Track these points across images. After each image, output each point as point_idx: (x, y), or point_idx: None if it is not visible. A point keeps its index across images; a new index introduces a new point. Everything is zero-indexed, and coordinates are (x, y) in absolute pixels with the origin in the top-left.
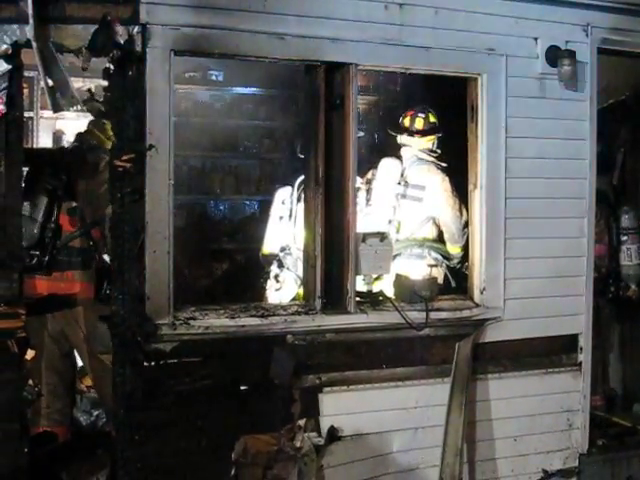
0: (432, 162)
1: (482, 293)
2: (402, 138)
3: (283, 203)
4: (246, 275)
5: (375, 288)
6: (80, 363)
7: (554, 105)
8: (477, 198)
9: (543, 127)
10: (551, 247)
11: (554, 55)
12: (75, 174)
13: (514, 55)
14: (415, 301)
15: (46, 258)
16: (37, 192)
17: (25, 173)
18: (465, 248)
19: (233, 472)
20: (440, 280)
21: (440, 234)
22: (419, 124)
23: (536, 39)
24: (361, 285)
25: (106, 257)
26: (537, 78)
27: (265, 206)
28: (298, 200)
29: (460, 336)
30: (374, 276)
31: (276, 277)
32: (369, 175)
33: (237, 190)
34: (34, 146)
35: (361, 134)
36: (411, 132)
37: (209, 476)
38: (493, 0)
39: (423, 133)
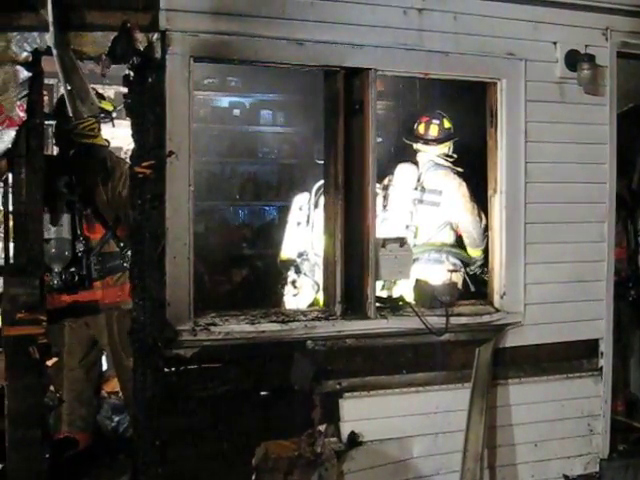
0: (448, 167)
1: (502, 298)
2: (417, 145)
3: (301, 209)
4: (265, 281)
5: (395, 293)
6: (104, 369)
7: (573, 109)
8: (497, 203)
9: (563, 131)
10: (571, 252)
11: (573, 59)
12: (86, 178)
13: (533, 59)
14: (435, 306)
15: (84, 272)
16: (59, 210)
17: None
18: (486, 251)
19: (254, 478)
20: (459, 285)
21: (458, 239)
22: (434, 131)
23: (555, 43)
24: (381, 290)
25: None
26: (556, 82)
27: (284, 212)
28: (315, 206)
29: (480, 341)
30: (394, 281)
31: (293, 283)
32: (386, 181)
33: (256, 196)
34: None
35: (379, 139)
36: (426, 140)
37: None
38: (512, 5)
39: (438, 141)
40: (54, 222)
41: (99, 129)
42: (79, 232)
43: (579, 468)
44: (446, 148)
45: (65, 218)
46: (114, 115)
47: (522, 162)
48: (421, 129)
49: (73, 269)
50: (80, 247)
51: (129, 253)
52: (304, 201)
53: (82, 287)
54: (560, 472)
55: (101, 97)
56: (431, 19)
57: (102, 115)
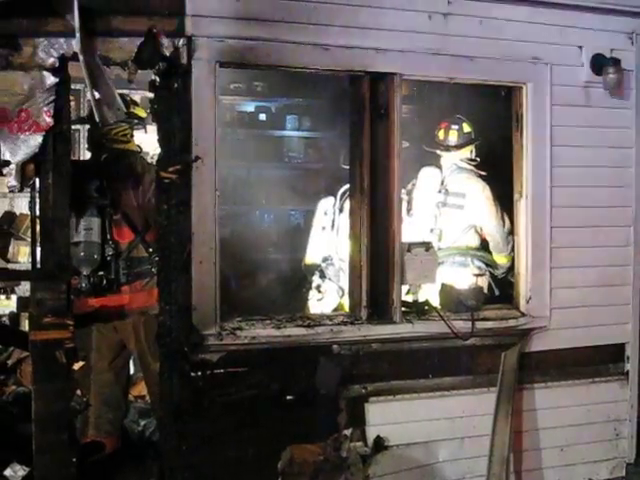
0: (472, 170)
1: (528, 302)
2: (439, 152)
3: (326, 214)
4: (291, 286)
5: (420, 298)
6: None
7: (599, 113)
8: (522, 207)
9: (588, 136)
10: (597, 256)
11: (599, 63)
12: (116, 183)
13: (559, 64)
14: (461, 310)
15: (112, 276)
16: (88, 215)
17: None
18: (512, 258)
19: None
20: (485, 289)
21: (483, 242)
22: (453, 136)
23: (581, 47)
24: (406, 295)
25: None
26: (582, 86)
27: (309, 216)
28: (340, 210)
29: (506, 345)
30: (419, 285)
31: (318, 288)
32: (409, 186)
33: (282, 200)
34: (80, 158)
35: (406, 144)
36: (446, 147)
37: None
38: (538, 9)
39: (458, 147)
40: (77, 226)
41: (132, 135)
42: (109, 236)
43: (605, 472)
44: (468, 152)
45: (95, 222)
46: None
47: (548, 166)
48: (441, 135)
49: (102, 273)
50: (109, 251)
51: (157, 258)
52: (329, 205)
53: (110, 291)
54: (586, 476)
55: (134, 103)
56: (456, 23)
57: (136, 121)
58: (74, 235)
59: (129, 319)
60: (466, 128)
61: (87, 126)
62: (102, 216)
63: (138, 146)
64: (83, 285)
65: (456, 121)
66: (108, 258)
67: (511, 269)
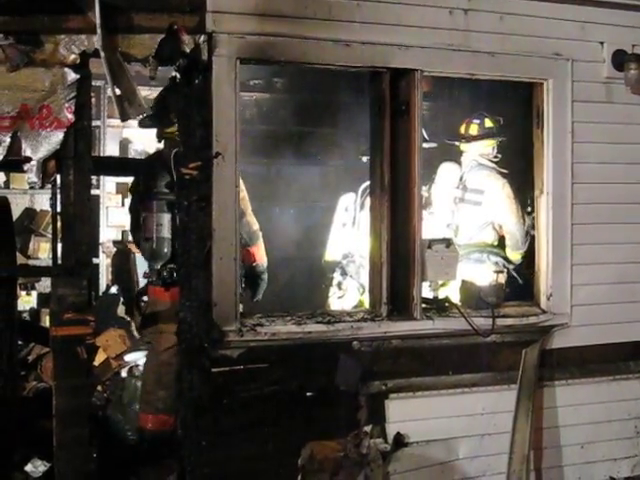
0: (492, 167)
1: (549, 299)
2: (460, 145)
3: (346, 210)
4: (311, 282)
5: (441, 294)
6: None
7: (620, 110)
8: (543, 204)
9: (609, 132)
10: (618, 253)
11: (620, 59)
12: None
13: (580, 60)
14: (481, 307)
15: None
16: (159, 210)
17: (135, 185)
18: (525, 255)
19: (299, 478)
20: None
21: (500, 239)
22: (473, 130)
23: (602, 43)
24: (427, 291)
25: None
26: (603, 82)
27: (329, 213)
28: (361, 207)
29: (527, 342)
30: (440, 282)
31: (339, 285)
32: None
33: (302, 197)
34: (101, 154)
35: (433, 145)
36: (466, 138)
37: None
38: (559, 5)
39: (477, 138)
40: (148, 222)
41: None
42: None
43: (626, 470)
44: (489, 147)
45: (165, 217)
46: None
47: (569, 163)
48: (462, 129)
49: (171, 266)
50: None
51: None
52: (350, 202)
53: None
54: (607, 474)
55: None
56: (477, 19)
57: None
58: (145, 231)
59: None
60: (488, 123)
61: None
62: (172, 211)
63: None
64: (154, 278)
65: (479, 116)
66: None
67: (522, 265)
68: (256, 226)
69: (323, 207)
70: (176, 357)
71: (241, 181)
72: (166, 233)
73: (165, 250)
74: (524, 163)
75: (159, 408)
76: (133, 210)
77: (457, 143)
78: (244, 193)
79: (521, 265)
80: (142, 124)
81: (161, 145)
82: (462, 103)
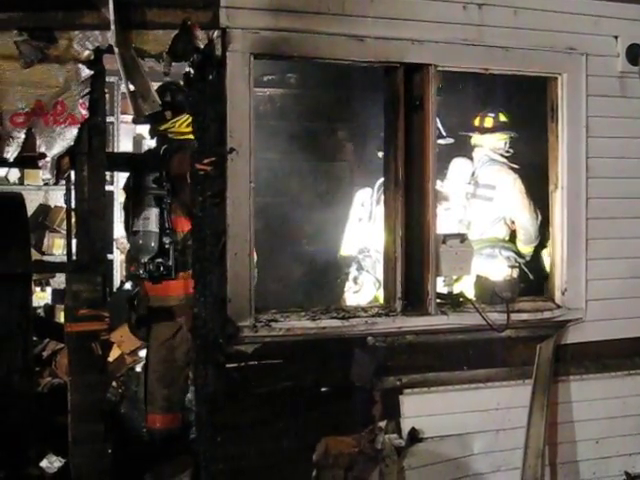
0: (504, 163)
1: (563, 294)
2: (474, 138)
3: (362, 205)
4: (325, 277)
5: (455, 289)
6: None
7: (635, 104)
8: (558, 199)
9: (624, 126)
10: (633, 247)
11: (634, 53)
12: (175, 174)
13: (594, 54)
14: (496, 302)
15: (170, 263)
16: (146, 205)
17: (127, 182)
18: (536, 248)
19: (314, 474)
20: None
21: (511, 233)
22: (488, 123)
23: (616, 37)
24: (441, 286)
25: None
26: (617, 77)
27: (344, 208)
28: (377, 202)
29: (541, 337)
30: (454, 277)
31: (355, 279)
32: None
33: (316, 192)
34: (114, 150)
35: (451, 141)
36: (480, 130)
37: (290, 477)
38: None
39: (492, 130)
40: (137, 216)
41: None
42: (167, 225)
43: None
44: (502, 142)
45: (153, 212)
46: None
47: (583, 157)
48: (476, 121)
49: (159, 260)
50: (167, 240)
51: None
52: (366, 197)
53: (168, 277)
54: (622, 469)
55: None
56: (491, 14)
57: None
58: (133, 225)
59: (185, 302)
60: (502, 117)
61: (121, 118)
62: (160, 206)
63: None
64: (141, 272)
65: (493, 110)
66: (166, 246)
67: (533, 259)
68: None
69: (337, 203)
70: (175, 352)
71: None
72: (153, 227)
73: (152, 244)
74: (538, 158)
75: (164, 407)
76: (126, 208)
77: (471, 134)
78: None
79: (536, 259)
80: (136, 121)
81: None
82: (476, 98)
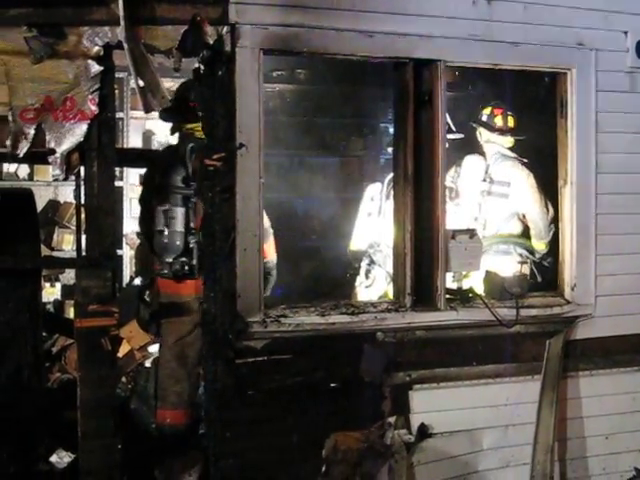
0: (515, 158)
1: (573, 290)
2: (485, 134)
3: (372, 200)
4: (334, 273)
5: (464, 285)
6: None
7: None
8: (567, 194)
9: (634, 122)
10: None
11: None
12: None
13: (603, 49)
14: (505, 298)
15: (194, 262)
16: (172, 204)
17: (148, 179)
18: (550, 245)
19: (323, 469)
20: (528, 276)
21: (524, 229)
22: (511, 122)
23: (626, 33)
24: (450, 282)
25: None
26: (627, 72)
27: (353, 203)
28: (387, 197)
29: (550, 333)
30: (463, 273)
31: (367, 273)
32: (451, 172)
33: (325, 187)
34: (124, 146)
35: (460, 136)
36: (503, 131)
37: (299, 473)
38: None
39: (513, 132)
40: (162, 214)
41: None
42: (192, 225)
43: None
44: (513, 139)
45: (179, 211)
46: None
47: (593, 153)
48: (498, 121)
49: (183, 259)
50: (191, 239)
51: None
52: (376, 191)
53: (191, 276)
54: (631, 465)
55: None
56: (500, 9)
57: None
58: (157, 223)
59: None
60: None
61: (131, 113)
62: (186, 206)
63: None
64: (165, 271)
65: (506, 107)
66: (190, 245)
67: (548, 255)
68: (268, 223)
69: (347, 198)
70: (188, 349)
71: None
72: (179, 227)
73: (177, 243)
74: (548, 153)
75: (175, 403)
76: (144, 201)
77: (493, 135)
78: None
79: (548, 255)
80: (163, 118)
81: (174, 139)
82: (484, 92)
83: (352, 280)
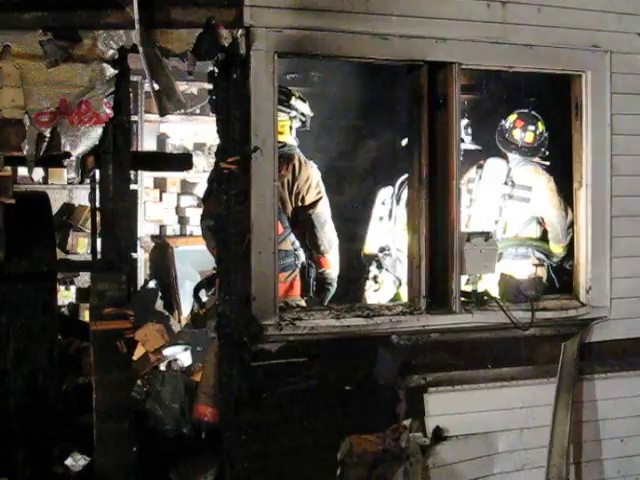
0: (537, 163)
1: (588, 292)
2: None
3: (383, 203)
4: (349, 275)
5: (479, 288)
6: None
7: None
8: (582, 196)
9: None
10: None
11: None
12: None
13: (618, 51)
14: (520, 301)
15: None
16: None
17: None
18: (568, 248)
19: (338, 472)
20: (544, 279)
21: (543, 233)
22: (529, 138)
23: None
24: (464, 285)
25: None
26: None
27: (367, 206)
28: (398, 201)
29: (566, 336)
30: (478, 276)
31: (375, 278)
32: (471, 174)
33: (339, 191)
34: (138, 149)
35: (478, 147)
36: (520, 149)
37: (315, 476)
38: None
39: (532, 150)
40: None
41: (290, 127)
42: None
43: None
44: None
45: None
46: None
47: (608, 155)
48: (516, 135)
49: None
50: None
51: (301, 252)
52: (387, 195)
53: None
54: None
55: (300, 99)
56: (515, 12)
57: (294, 114)
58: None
59: None
60: (540, 127)
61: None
62: None
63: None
64: None
65: (532, 120)
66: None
67: (565, 258)
68: (335, 235)
69: (360, 201)
70: None
71: (322, 186)
72: None
73: None
74: (564, 155)
75: (216, 400)
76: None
77: (508, 153)
78: (326, 200)
79: (563, 258)
80: None
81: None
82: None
83: (364, 285)
